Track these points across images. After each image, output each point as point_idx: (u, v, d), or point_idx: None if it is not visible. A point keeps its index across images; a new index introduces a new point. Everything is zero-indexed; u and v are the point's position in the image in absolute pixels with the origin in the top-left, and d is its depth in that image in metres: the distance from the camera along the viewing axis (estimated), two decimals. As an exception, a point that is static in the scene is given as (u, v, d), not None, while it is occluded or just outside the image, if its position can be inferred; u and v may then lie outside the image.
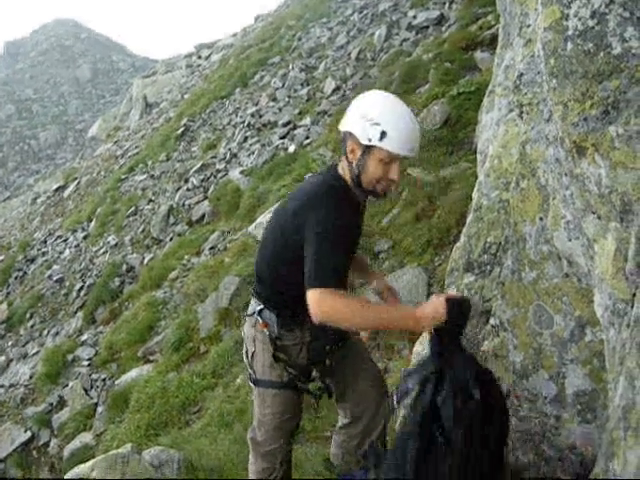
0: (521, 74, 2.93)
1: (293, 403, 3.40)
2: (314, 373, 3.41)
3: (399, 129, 2.79)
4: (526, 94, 2.89)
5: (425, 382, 2.51)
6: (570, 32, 2.15)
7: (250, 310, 3.37)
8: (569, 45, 2.15)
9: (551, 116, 2.52)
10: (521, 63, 2.98)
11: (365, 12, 18.59)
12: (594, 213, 2.18)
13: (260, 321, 3.29)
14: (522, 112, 2.91)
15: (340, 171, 3.04)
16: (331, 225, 2.73)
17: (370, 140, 2.82)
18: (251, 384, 3.47)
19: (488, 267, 3.15)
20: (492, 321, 3.03)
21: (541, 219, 2.66)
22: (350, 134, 2.90)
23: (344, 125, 2.96)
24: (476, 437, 2.37)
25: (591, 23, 2.09)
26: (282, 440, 3.44)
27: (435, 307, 2.59)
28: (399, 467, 2.45)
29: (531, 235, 2.72)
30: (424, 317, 2.60)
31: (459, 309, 2.60)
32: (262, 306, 3.28)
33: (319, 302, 2.59)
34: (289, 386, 3.32)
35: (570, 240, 2.46)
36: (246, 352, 3.43)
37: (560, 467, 2.82)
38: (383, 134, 2.78)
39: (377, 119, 2.80)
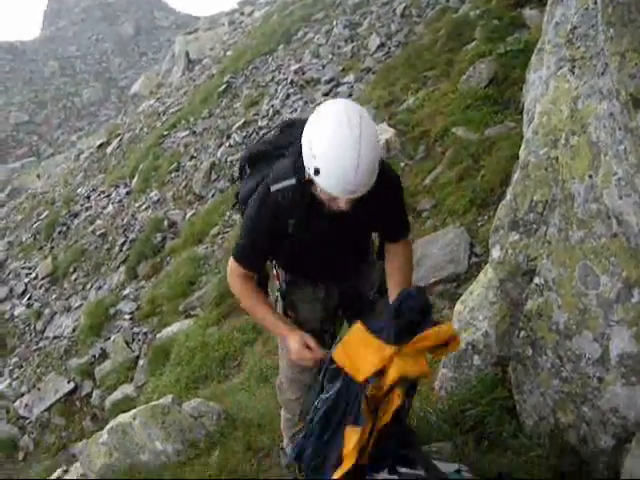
0: (574, 27, 2.84)
1: None
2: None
3: (333, 171, 2.47)
4: (579, 48, 2.80)
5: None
6: (629, -20, 2.07)
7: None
8: (628, -7, 2.07)
9: (605, 69, 2.44)
10: (574, 16, 2.88)
11: (411, -32, 18.21)
12: (648, 169, 2.12)
13: (275, 272, 3.29)
14: (574, 67, 2.83)
15: None
16: (250, 222, 2.90)
17: (308, 169, 2.56)
18: None
19: (534, 226, 3.09)
20: (537, 280, 2.99)
21: (591, 177, 2.59)
22: None
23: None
24: None
25: (652, -30, 2.01)
26: (301, 393, 3.34)
27: (291, 346, 2.83)
28: None
29: (580, 193, 2.65)
30: (288, 345, 2.88)
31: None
32: None
33: (229, 271, 3.04)
34: None
35: (621, 198, 2.39)
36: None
37: (601, 430, 2.79)
38: (317, 171, 2.49)
39: (316, 151, 2.49)
